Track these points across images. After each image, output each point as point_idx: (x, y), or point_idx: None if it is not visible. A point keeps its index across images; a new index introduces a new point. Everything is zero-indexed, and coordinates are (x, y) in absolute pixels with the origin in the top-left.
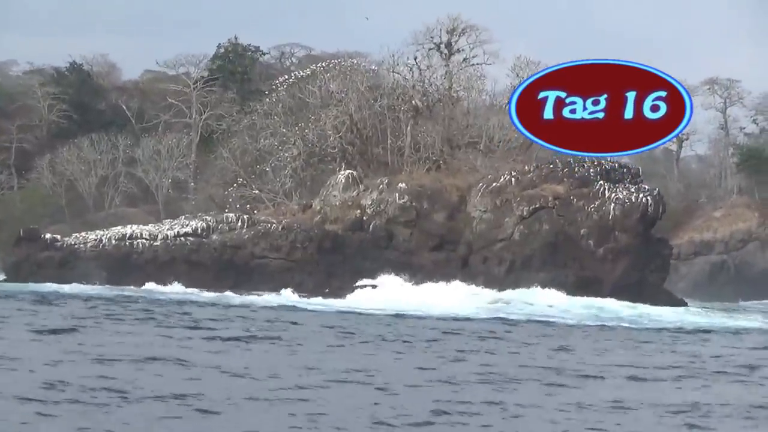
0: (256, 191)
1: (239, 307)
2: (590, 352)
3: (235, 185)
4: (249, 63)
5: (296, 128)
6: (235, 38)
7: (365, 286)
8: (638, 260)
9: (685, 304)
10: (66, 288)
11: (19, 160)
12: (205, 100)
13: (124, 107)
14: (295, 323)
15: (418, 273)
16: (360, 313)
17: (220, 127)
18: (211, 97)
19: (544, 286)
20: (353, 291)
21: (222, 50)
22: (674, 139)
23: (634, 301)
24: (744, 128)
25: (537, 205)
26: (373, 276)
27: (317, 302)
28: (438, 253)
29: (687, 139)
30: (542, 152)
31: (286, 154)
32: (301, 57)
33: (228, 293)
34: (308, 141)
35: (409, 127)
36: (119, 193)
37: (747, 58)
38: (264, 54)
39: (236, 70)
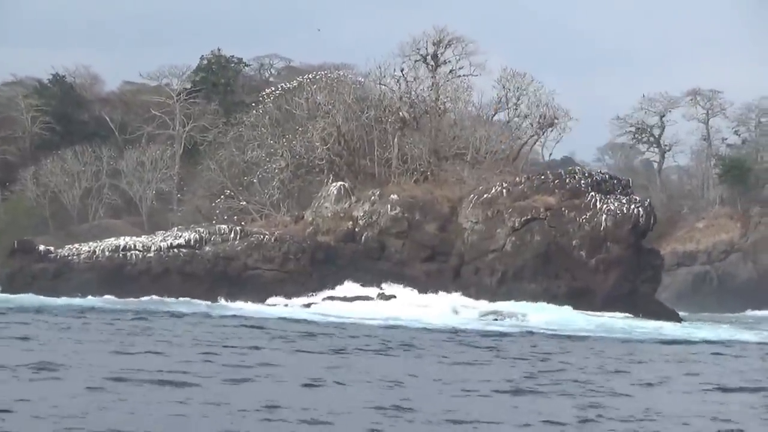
0: (244, 203)
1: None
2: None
3: (222, 197)
4: (232, 75)
5: (283, 140)
6: (218, 50)
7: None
8: (630, 271)
9: (677, 315)
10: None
11: (2, 172)
12: (189, 111)
13: (107, 119)
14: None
15: (410, 284)
16: (361, 324)
17: (206, 139)
18: (195, 108)
19: (536, 298)
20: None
21: (205, 62)
22: (656, 150)
23: (626, 311)
24: (726, 139)
25: (528, 217)
26: (364, 284)
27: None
28: (430, 264)
29: (669, 150)
30: (528, 163)
31: (274, 166)
32: (281, 68)
33: (260, 304)
34: (295, 153)
35: (396, 139)
36: (103, 205)
37: (730, 69)
38: (247, 65)
39: (219, 81)
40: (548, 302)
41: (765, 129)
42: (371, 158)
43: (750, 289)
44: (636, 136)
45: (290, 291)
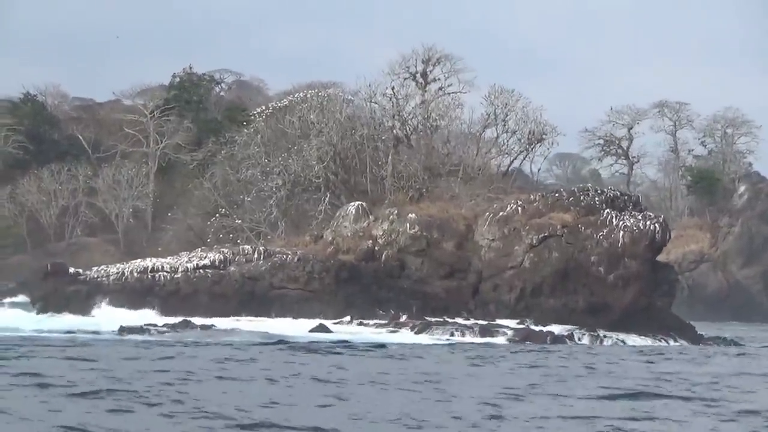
0: (239, 221)
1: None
2: None
3: (217, 215)
4: (204, 92)
5: (279, 158)
6: (190, 67)
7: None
8: (647, 286)
9: (694, 330)
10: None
11: None
12: (162, 129)
13: (79, 137)
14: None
15: (431, 301)
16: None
17: (181, 159)
18: (168, 126)
19: (555, 313)
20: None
21: (177, 79)
22: (625, 162)
23: (643, 326)
24: (692, 150)
25: (546, 234)
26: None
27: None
28: (449, 281)
29: (637, 162)
30: (520, 180)
31: (271, 185)
32: (231, 82)
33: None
34: (291, 171)
35: (390, 157)
36: (80, 223)
37: (696, 80)
38: (218, 83)
39: (192, 99)
40: (567, 317)
41: (731, 140)
42: (365, 175)
43: (720, 298)
44: (604, 148)
45: (317, 310)
